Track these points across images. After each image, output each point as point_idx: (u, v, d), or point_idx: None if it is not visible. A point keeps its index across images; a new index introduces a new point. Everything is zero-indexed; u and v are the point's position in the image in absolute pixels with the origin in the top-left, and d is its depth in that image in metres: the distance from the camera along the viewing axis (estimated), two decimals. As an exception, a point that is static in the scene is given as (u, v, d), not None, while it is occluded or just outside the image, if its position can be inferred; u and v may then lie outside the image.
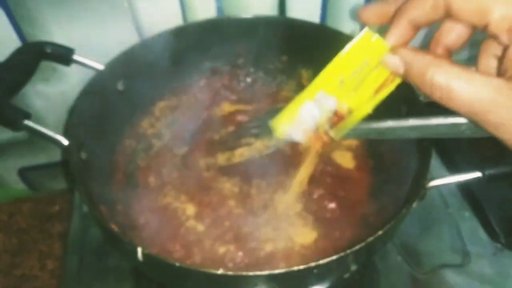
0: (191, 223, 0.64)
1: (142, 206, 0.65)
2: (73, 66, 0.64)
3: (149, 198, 0.66)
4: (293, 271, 0.44)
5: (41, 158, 0.87)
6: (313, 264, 0.44)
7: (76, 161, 0.55)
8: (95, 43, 0.71)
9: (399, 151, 0.63)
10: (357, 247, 0.45)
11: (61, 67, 0.67)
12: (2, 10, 0.65)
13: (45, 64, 0.65)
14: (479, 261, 0.67)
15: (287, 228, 0.63)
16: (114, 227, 0.51)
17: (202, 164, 0.71)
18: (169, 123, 0.76)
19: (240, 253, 0.60)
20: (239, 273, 0.46)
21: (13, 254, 0.80)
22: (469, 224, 0.71)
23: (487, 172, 0.50)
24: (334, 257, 0.44)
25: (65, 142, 0.54)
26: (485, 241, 0.69)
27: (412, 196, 0.50)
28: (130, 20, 0.71)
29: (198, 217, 0.64)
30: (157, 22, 0.72)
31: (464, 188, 0.74)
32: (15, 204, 0.87)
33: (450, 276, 0.65)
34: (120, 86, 0.67)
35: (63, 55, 0.63)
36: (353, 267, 0.51)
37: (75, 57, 0.63)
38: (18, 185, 0.90)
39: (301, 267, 0.44)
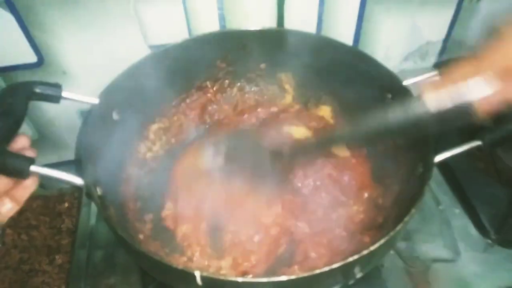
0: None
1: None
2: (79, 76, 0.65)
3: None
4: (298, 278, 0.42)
5: (51, 158, 0.85)
6: (318, 271, 0.42)
7: (95, 198, 0.51)
8: (104, 48, 0.69)
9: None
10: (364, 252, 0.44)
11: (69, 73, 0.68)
12: (11, 15, 0.63)
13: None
14: (470, 257, 0.67)
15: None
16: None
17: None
18: (164, 143, 0.74)
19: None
20: (245, 279, 0.45)
21: (22, 250, 0.75)
22: (460, 221, 0.71)
23: (487, 139, 0.51)
24: (336, 265, 0.43)
25: (80, 181, 0.50)
26: (475, 237, 0.69)
27: (425, 174, 0.50)
28: (137, 27, 0.69)
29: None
30: (163, 30, 0.71)
31: (455, 186, 0.74)
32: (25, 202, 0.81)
33: (442, 270, 0.65)
34: (115, 115, 0.63)
35: (52, 94, 0.57)
36: (359, 274, 0.48)
37: (65, 93, 0.58)
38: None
39: (306, 274, 0.42)
